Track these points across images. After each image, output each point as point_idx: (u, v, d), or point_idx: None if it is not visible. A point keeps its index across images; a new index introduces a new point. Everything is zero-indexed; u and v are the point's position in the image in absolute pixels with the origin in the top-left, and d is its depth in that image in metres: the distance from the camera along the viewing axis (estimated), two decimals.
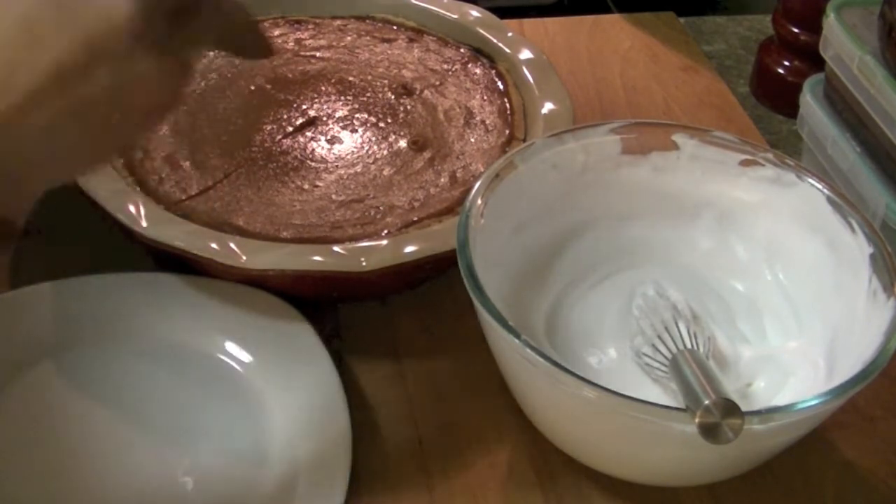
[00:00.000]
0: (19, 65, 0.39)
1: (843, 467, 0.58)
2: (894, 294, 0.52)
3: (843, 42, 0.70)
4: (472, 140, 0.68)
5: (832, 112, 0.74)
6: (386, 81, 0.74)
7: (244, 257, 0.58)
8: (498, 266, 0.57)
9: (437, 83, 0.73)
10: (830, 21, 0.72)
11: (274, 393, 0.58)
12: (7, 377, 0.58)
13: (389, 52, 0.76)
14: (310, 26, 0.79)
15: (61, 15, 0.40)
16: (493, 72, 0.73)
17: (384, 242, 0.59)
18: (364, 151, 0.68)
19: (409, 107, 0.72)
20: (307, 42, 0.78)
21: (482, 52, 0.76)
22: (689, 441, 0.46)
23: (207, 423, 0.57)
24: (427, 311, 0.65)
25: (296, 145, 0.68)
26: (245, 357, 0.60)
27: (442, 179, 0.66)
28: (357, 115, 0.71)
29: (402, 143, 0.68)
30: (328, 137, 0.69)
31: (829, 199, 0.58)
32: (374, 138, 0.69)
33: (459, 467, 0.56)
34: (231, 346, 0.60)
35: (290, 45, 0.77)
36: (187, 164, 0.66)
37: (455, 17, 0.78)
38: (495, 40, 0.75)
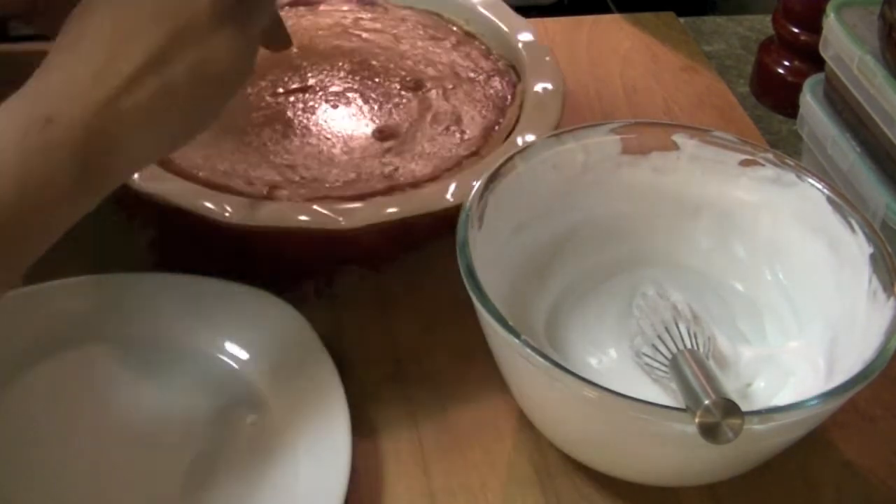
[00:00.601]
0: (119, 54, 0.45)
1: (843, 467, 0.58)
2: (894, 294, 0.52)
3: (843, 42, 0.70)
4: (439, 144, 0.68)
5: (832, 112, 0.74)
6: (404, 73, 0.75)
7: (222, 212, 0.60)
8: (498, 266, 0.57)
9: (451, 87, 0.74)
10: (830, 21, 0.72)
11: (273, 393, 0.58)
12: (7, 377, 0.58)
13: (431, 49, 0.78)
14: (378, 9, 0.82)
15: (153, 8, 0.46)
16: (512, 89, 0.73)
17: (360, 204, 0.61)
18: (328, 126, 0.70)
19: (405, 101, 0.72)
20: (363, 22, 0.80)
21: (515, 69, 0.76)
22: (689, 441, 0.46)
23: (207, 423, 0.57)
24: (427, 311, 0.65)
25: (274, 105, 0.71)
26: (244, 357, 0.60)
27: (384, 169, 0.66)
28: (349, 94, 0.73)
29: (369, 130, 0.70)
30: (306, 106, 0.71)
31: (829, 199, 0.58)
32: (347, 118, 0.71)
33: (459, 467, 0.56)
34: (230, 346, 0.60)
35: (348, 21, 0.80)
36: None
37: (506, 30, 0.78)
38: (527, 62, 0.75)
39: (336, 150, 0.68)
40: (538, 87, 0.71)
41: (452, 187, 0.62)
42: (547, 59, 0.74)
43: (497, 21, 0.79)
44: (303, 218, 0.60)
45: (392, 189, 0.64)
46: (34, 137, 0.42)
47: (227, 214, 0.60)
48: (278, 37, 0.60)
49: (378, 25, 0.80)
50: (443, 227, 0.63)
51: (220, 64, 0.48)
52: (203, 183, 0.63)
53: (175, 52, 0.46)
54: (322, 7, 0.82)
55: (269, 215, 0.60)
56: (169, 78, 0.46)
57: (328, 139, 0.69)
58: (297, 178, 0.65)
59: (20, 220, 0.41)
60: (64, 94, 0.44)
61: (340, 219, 0.60)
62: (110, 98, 0.44)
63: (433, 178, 0.65)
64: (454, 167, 0.66)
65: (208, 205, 0.60)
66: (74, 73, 0.44)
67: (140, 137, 0.46)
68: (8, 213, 0.41)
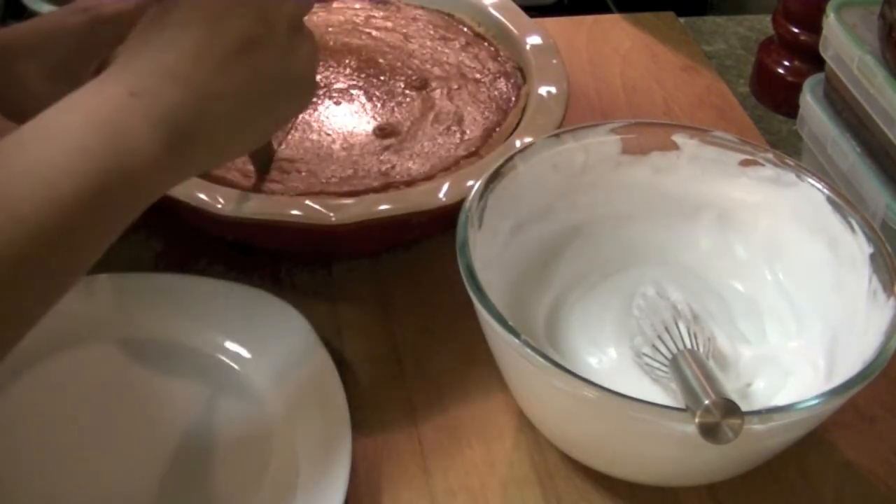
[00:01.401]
0: (209, 39, 0.46)
1: (843, 467, 0.58)
2: (894, 294, 0.52)
3: (843, 42, 0.70)
4: (439, 144, 0.69)
5: (832, 112, 0.74)
6: (410, 72, 0.75)
7: (215, 203, 0.60)
8: (498, 266, 0.57)
9: (456, 87, 0.74)
10: (830, 21, 0.72)
11: (273, 392, 0.58)
12: (7, 377, 0.58)
13: (439, 49, 0.78)
14: (391, 8, 0.82)
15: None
16: (517, 91, 0.73)
17: (352, 200, 0.61)
18: (329, 122, 0.70)
19: (409, 99, 0.72)
20: (375, 20, 0.81)
21: (522, 71, 0.76)
22: (689, 441, 0.46)
23: (207, 423, 0.57)
24: (427, 311, 0.65)
25: None
26: (245, 356, 0.60)
27: (381, 167, 0.66)
28: (353, 91, 0.73)
29: (370, 127, 0.70)
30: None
31: (829, 199, 0.58)
32: (349, 115, 0.71)
33: (459, 467, 0.56)
34: (230, 346, 0.60)
35: (360, 18, 0.81)
36: None
37: (515, 32, 0.78)
38: (534, 65, 0.75)
39: (335, 147, 0.68)
40: (542, 91, 0.71)
41: (445, 187, 0.62)
42: (554, 61, 0.74)
43: (507, 23, 0.79)
44: (295, 212, 0.60)
45: (387, 187, 0.64)
46: (118, 111, 0.43)
47: (219, 206, 0.60)
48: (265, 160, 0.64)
49: (389, 24, 0.80)
50: (436, 225, 0.64)
51: (301, 64, 0.50)
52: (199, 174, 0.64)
53: (265, 41, 0.47)
54: (335, 4, 0.82)
55: (261, 208, 0.60)
56: (259, 65, 0.47)
57: (328, 135, 0.69)
58: (293, 173, 0.65)
59: (105, 188, 0.41)
60: (148, 71, 0.44)
61: (332, 214, 0.60)
62: (199, 79, 0.45)
63: (429, 177, 0.65)
64: (451, 167, 0.66)
65: (201, 196, 0.60)
66: (162, 55, 0.45)
67: (223, 122, 0.47)
68: (95, 180, 0.41)
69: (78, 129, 0.42)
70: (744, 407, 0.46)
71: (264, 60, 0.48)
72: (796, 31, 0.86)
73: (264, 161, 0.64)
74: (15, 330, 0.41)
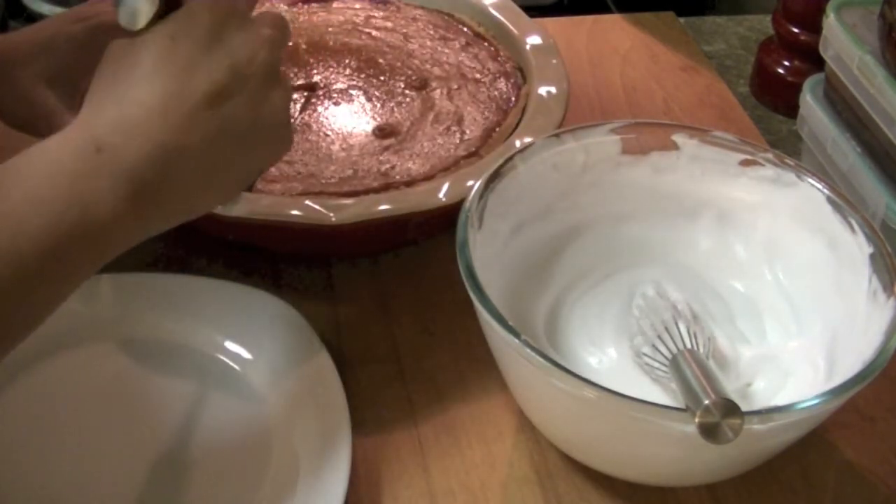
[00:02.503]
0: (177, 94, 0.44)
1: (843, 467, 0.58)
2: (894, 294, 0.52)
3: (843, 42, 0.70)
4: (438, 144, 0.69)
5: (832, 112, 0.74)
6: (410, 72, 0.75)
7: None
8: (498, 266, 0.57)
9: (456, 87, 0.74)
10: (830, 21, 0.72)
11: (273, 393, 0.58)
12: (7, 377, 0.58)
13: (439, 49, 0.78)
14: (391, 8, 0.82)
15: (211, 45, 0.45)
16: (517, 91, 0.73)
17: (352, 200, 0.61)
18: (328, 123, 0.70)
19: (408, 100, 0.72)
20: (375, 20, 0.81)
21: (523, 71, 0.76)
22: (689, 441, 0.46)
23: (207, 423, 0.57)
24: (427, 310, 0.65)
25: None
26: (244, 357, 0.60)
27: (381, 167, 0.66)
28: (353, 91, 0.73)
29: (369, 128, 0.70)
30: (308, 102, 0.72)
31: (829, 199, 0.58)
32: (348, 115, 0.71)
33: (459, 467, 0.56)
34: (230, 346, 0.60)
35: (360, 18, 0.81)
36: None
37: (515, 32, 0.78)
38: (534, 65, 0.75)
39: (335, 147, 0.68)
40: (542, 91, 0.71)
41: (445, 187, 0.62)
42: (554, 61, 0.74)
43: (507, 23, 0.79)
44: (295, 212, 0.60)
45: (387, 187, 0.64)
46: (83, 164, 0.42)
47: (219, 207, 0.60)
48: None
49: (389, 24, 0.80)
50: (436, 225, 0.64)
51: (275, 111, 0.48)
52: None
53: (235, 93, 0.46)
54: (335, 4, 0.82)
55: (261, 208, 0.60)
56: (229, 117, 0.45)
57: (328, 136, 0.69)
58: (293, 173, 0.65)
59: (71, 236, 0.42)
60: (113, 126, 0.43)
61: (332, 214, 0.60)
62: (166, 136, 0.44)
63: (428, 177, 0.65)
64: (451, 167, 0.66)
65: None
66: (128, 109, 0.44)
67: (190, 177, 0.45)
68: (55, 231, 0.41)
69: (43, 179, 0.42)
70: (744, 407, 0.46)
71: (234, 112, 0.46)
72: (796, 31, 0.86)
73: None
74: None
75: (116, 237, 0.44)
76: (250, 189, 0.63)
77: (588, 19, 0.97)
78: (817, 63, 0.76)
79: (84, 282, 0.44)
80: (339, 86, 0.74)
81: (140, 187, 0.43)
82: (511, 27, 0.78)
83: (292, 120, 0.69)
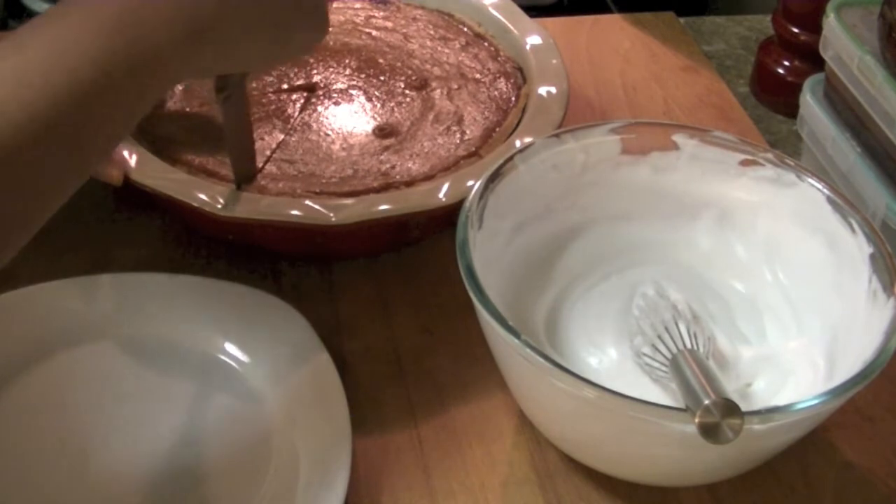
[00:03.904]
0: None
1: (843, 467, 0.58)
2: (894, 294, 0.52)
3: (843, 42, 0.70)
4: (438, 144, 0.69)
5: (832, 112, 0.74)
6: (410, 72, 0.75)
7: (214, 203, 0.60)
8: (498, 266, 0.57)
9: (456, 87, 0.74)
10: (830, 21, 0.72)
11: (273, 392, 0.58)
12: (7, 377, 0.58)
13: (439, 49, 0.78)
14: (391, 8, 0.82)
15: None
16: (517, 91, 0.73)
17: (352, 200, 0.61)
18: (328, 123, 0.70)
19: (409, 100, 0.72)
20: (375, 20, 0.81)
21: (523, 72, 0.76)
22: (689, 441, 0.46)
23: (207, 423, 0.57)
24: (427, 310, 0.65)
25: (276, 101, 0.72)
26: (244, 357, 0.60)
27: (381, 167, 0.66)
28: (353, 91, 0.73)
29: (370, 128, 0.70)
30: (308, 102, 0.72)
31: (829, 199, 0.58)
32: (348, 115, 0.71)
33: (459, 467, 0.56)
34: (230, 346, 0.60)
35: (360, 18, 0.81)
36: (179, 88, 0.71)
37: (515, 32, 0.78)
38: (534, 66, 0.75)
39: (335, 147, 0.68)
40: (542, 91, 0.71)
41: (445, 187, 0.62)
42: (554, 61, 0.74)
43: (507, 23, 0.79)
44: (294, 212, 0.60)
45: (387, 187, 0.64)
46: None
47: (219, 206, 0.60)
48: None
49: (389, 24, 0.80)
50: (436, 225, 0.64)
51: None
52: (197, 167, 0.64)
53: None
54: (335, 4, 0.82)
55: (261, 208, 0.60)
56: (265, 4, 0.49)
57: (328, 135, 0.69)
58: (293, 173, 0.65)
59: (127, 61, 0.42)
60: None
61: (332, 214, 0.60)
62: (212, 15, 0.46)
63: (429, 177, 0.65)
64: (451, 167, 0.66)
65: (202, 196, 0.60)
66: None
67: (242, 22, 0.48)
68: (107, 64, 0.41)
69: (89, 14, 0.42)
70: (744, 407, 0.46)
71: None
72: (796, 31, 0.86)
73: (247, 175, 0.64)
74: (34, 213, 0.41)
75: (166, 70, 0.44)
76: (249, 179, 0.64)
77: (588, 19, 0.97)
78: (817, 63, 0.76)
79: (142, 115, 0.44)
80: (340, 86, 0.74)
81: (195, 21, 0.45)
82: (511, 27, 0.78)
83: (292, 120, 0.70)
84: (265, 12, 0.50)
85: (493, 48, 0.78)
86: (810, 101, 0.75)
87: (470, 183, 0.59)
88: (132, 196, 0.66)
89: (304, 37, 0.55)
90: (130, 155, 0.62)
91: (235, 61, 0.52)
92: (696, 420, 0.45)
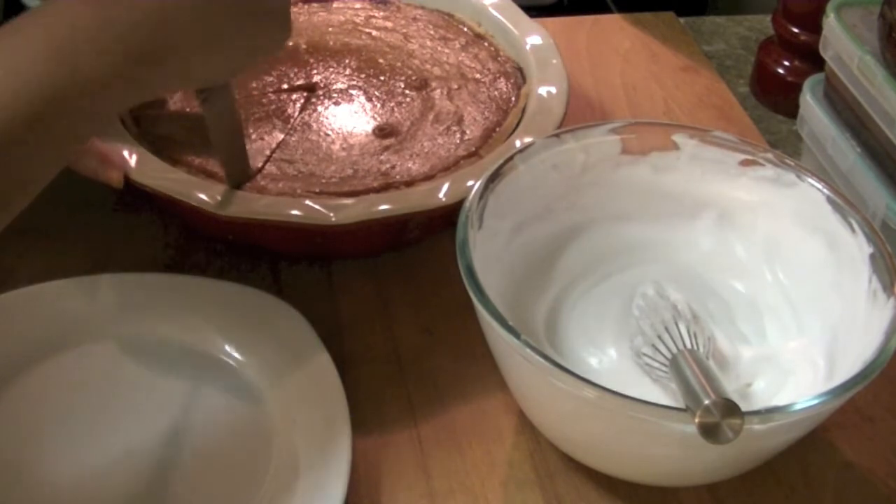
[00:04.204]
0: None
1: (843, 467, 0.58)
2: (894, 294, 0.52)
3: (843, 42, 0.70)
4: (438, 144, 0.69)
5: (832, 112, 0.74)
6: (410, 72, 0.75)
7: (214, 203, 0.60)
8: (498, 266, 0.57)
9: (456, 87, 0.74)
10: (830, 21, 0.72)
11: (273, 393, 0.58)
12: (7, 377, 0.58)
13: (439, 49, 0.78)
14: (391, 8, 0.82)
15: None
16: (517, 91, 0.73)
17: (352, 200, 0.61)
18: (328, 123, 0.70)
19: (409, 100, 0.72)
20: (375, 20, 0.81)
21: (523, 72, 0.76)
22: (689, 441, 0.46)
23: (207, 423, 0.57)
24: (427, 310, 0.65)
25: (276, 101, 0.72)
26: (244, 357, 0.60)
27: (381, 167, 0.66)
28: (353, 92, 0.73)
29: (370, 127, 0.70)
30: (308, 102, 0.72)
31: (829, 199, 0.58)
32: (349, 115, 0.71)
33: (459, 467, 0.56)
34: (230, 346, 0.60)
35: (360, 18, 0.81)
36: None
37: (516, 32, 0.78)
38: (534, 66, 0.75)
39: (335, 147, 0.68)
40: (542, 91, 0.71)
41: (445, 187, 0.62)
42: (554, 61, 0.74)
43: (507, 23, 0.79)
44: (294, 212, 0.60)
45: (387, 187, 0.64)
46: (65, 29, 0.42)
47: (218, 206, 0.60)
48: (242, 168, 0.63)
49: (389, 24, 0.80)
50: (436, 225, 0.64)
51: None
52: (197, 167, 0.64)
53: None
54: (336, 4, 0.82)
55: (261, 208, 0.60)
56: None
57: (328, 135, 0.69)
58: (293, 173, 0.65)
59: (60, 97, 0.41)
60: None
61: (332, 214, 0.60)
62: None
63: (429, 177, 0.65)
64: (451, 167, 0.66)
65: (202, 196, 0.60)
66: None
67: (189, 39, 0.46)
68: (48, 91, 0.41)
69: (25, 47, 0.41)
70: (744, 407, 0.46)
71: None
72: (796, 31, 0.86)
73: (240, 178, 0.64)
74: None
75: (109, 99, 0.44)
76: (243, 182, 0.63)
77: (588, 19, 0.97)
78: (817, 63, 0.76)
79: (82, 144, 0.44)
80: (340, 86, 0.74)
81: (138, 46, 0.43)
82: (511, 27, 0.78)
83: (292, 120, 0.70)
84: (220, 25, 0.48)
85: (493, 48, 0.78)
86: (810, 101, 0.75)
87: (470, 183, 0.59)
88: (132, 196, 0.66)
89: (268, 40, 0.53)
90: (130, 155, 0.62)
91: (194, 77, 0.51)
92: (696, 420, 0.45)
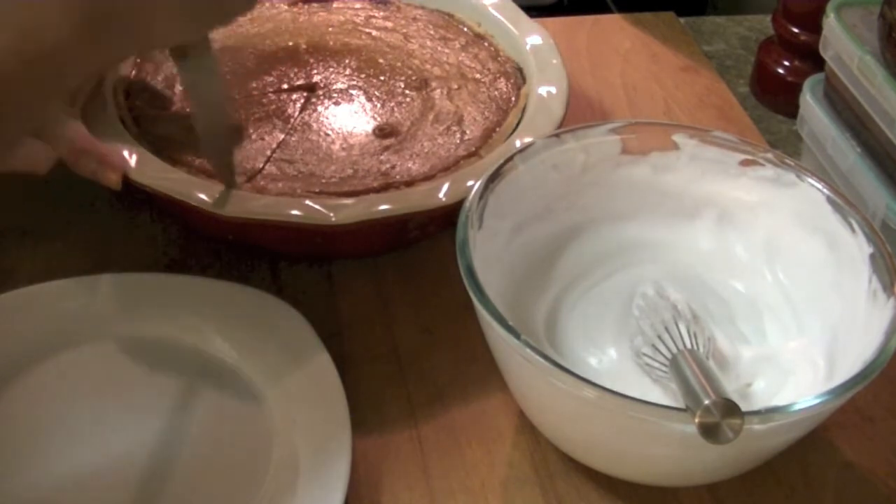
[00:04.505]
0: None
1: (843, 467, 0.58)
2: (894, 294, 0.52)
3: (843, 42, 0.70)
4: (438, 144, 0.69)
5: (832, 112, 0.74)
6: (410, 72, 0.75)
7: (214, 203, 0.60)
8: (498, 266, 0.57)
9: (456, 87, 0.74)
10: (830, 21, 0.72)
11: (273, 393, 0.58)
12: (7, 377, 0.58)
13: (439, 49, 0.78)
14: (391, 8, 0.82)
15: None
16: (517, 91, 0.73)
17: (352, 200, 0.61)
18: (328, 123, 0.70)
19: (409, 99, 0.72)
20: (375, 20, 0.81)
21: (523, 72, 0.76)
22: (689, 441, 0.46)
23: (207, 423, 0.57)
24: (427, 310, 0.65)
25: (276, 101, 0.72)
26: (244, 357, 0.60)
27: (381, 167, 0.66)
28: (353, 92, 0.73)
29: (370, 127, 0.70)
30: (308, 102, 0.72)
31: (829, 199, 0.58)
32: (349, 115, 0.71)
33: (459, 467, 0.56)
34: (230, 346, 0.60)
35: (360, 18, 0.81)
36: (179, 88, 0.71)
37: (516, 32, 0.78)
38: (534, 66, 0.75)
39: (335, 147, 0.68)
40: (542, 91, 0.71)
41: (445, 187, 0.62)
42: (554, 61, 0.74)
43: (507, 23, 0.79)
44: (294, 212, 0.60)
45: (387, 187, 0.64)
46: None
47: (218, 206, 0.60)
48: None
49: (389, 24, 0.80)
50: (436, 225, 0.64)
51: None
52: (197, 167, 0.64)
53: None
54: (336, 4, 0.82)
55: (261, 208, 0.60)
56: None
57: (328, 135, 0.69)
58: (293, 173, 0.65)
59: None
60: None
61: (332, 214, 0.60)
62: None
63: (429, 177, 0.65)
64: (451, 167, 0.66)
65: (202, 196, 0.60)
66: None
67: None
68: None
69: None
70: (744, 407, 0.46)
71: None
72: (796, 31, 0.86)
73: (224, 164, 0.63)
74: None
75: (70, 63, 0.43)
76: (229, 171, 0.63)
77: (588, 19, 0.97)
78: (817, 63, 0.76)
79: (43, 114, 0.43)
80: (340, 86, 0.74)
81: (94, 6, 0.42)
82: (511, 27, 0.78)
83: (292, 120, 0.70)
84: None
85: (493, 48, 0.78)
86: (810, 101, 0.75)
87: (470, 183, 0.59)
88: (132, 196, 0.66)
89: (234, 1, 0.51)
90: (130, 155, 0.62)
91: (155, 38, 0.49)
92: (696, 420, 0.45)
